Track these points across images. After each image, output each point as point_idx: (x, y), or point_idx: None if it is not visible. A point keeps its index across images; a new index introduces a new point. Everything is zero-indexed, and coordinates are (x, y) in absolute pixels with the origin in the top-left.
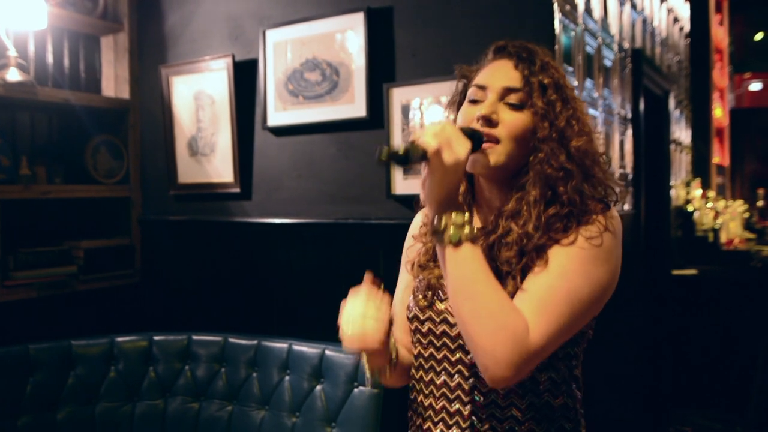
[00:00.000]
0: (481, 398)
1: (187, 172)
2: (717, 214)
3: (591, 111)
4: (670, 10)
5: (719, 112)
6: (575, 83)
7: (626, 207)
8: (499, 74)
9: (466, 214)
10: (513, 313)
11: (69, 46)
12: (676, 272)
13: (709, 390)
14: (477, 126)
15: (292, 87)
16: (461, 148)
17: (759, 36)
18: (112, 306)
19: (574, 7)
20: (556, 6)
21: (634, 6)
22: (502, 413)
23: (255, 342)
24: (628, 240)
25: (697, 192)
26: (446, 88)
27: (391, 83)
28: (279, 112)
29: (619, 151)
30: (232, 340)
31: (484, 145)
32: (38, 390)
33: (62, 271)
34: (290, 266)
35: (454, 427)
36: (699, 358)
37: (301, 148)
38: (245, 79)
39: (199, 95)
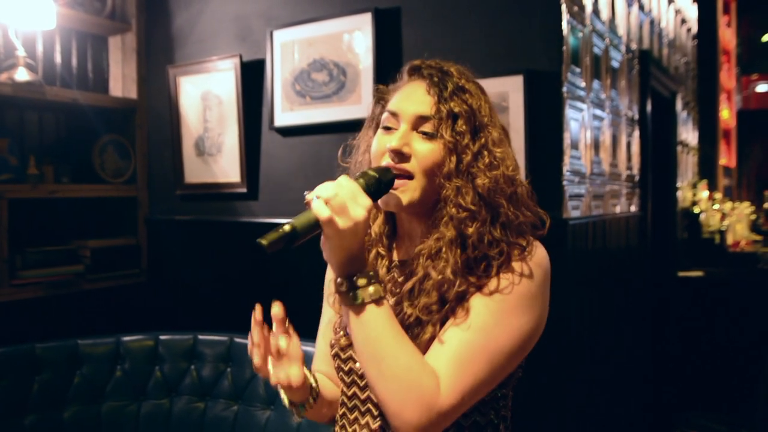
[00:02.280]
0: None
1: (194, 172)
2: (723, 216)
3: (598, 112)
4: (677, 12)
5: (726, 114)
6: (582, 84)
7: (633, 208)
8: (411, 100)
9: (371, 273)
10: (422, 373)
11: (77, 46)
12: (682, 274)
13: (715, 392)
14: (387, 158)
15: (300, 87)
16: (358, 209)
17: (766, 37)
18: (119, 305)
19: (582, 8)
20: (564, 7)
21: (641, 7)
22: None
23: None
24: (636, 242)
25: (704, 194)
26: None
27: None
28: (286, 112)
29: (626, 152)
30: (237, 339)
31: (397, 183)
32: (44, 389)
33: (69, 270)
34: (296, 267)
35: None
36: (704, 360)
37: (308, 148)
38: (252, 79)
39: (206, 95)
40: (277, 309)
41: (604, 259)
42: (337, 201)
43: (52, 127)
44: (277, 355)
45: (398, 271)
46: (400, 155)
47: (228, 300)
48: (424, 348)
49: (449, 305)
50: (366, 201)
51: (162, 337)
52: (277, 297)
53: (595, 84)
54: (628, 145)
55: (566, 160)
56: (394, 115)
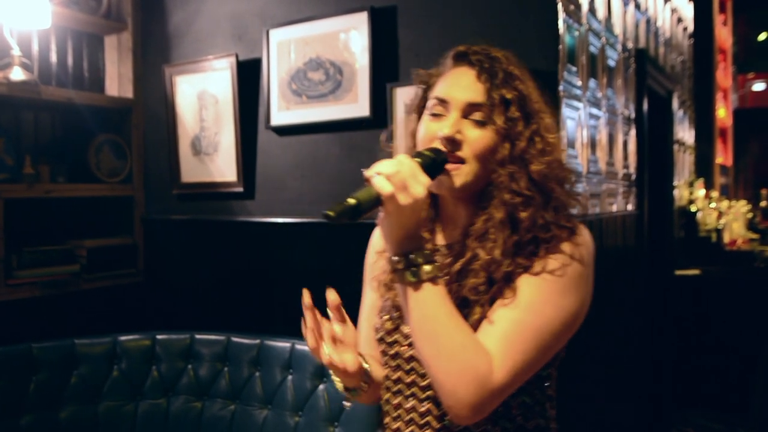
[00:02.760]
0: (453, 424)
1: (191, 171)
2: (720, 215)
3: (594, 111)
4: (673, 10)
5: (722, 113)
6: (579, 83)
7: (630, 207)
8: (460, 87)
9: (427, 252)
10: (476, 352)
11: (73, 45)
12: (679, 272)
13: (712, 391)
14: (439, 145)
15: (296, 86)
16: (418, 187)
17: (762, 36)
18: (115, 305)
19: (578, 6)
20: (560, 6)
21: (638, 6)
22: (475, 428)
23: (258, 341)
24: (633, 240)
25: (701, 192)
26: None
27: (394, 83)
28: (282, 111)
29: (623, 151)
30: (234, 339)
31: (450, 167)
32: (41, 389)
33: (65, 270)
34: (293, 266)
35: (426, 428)
36: (701, 358)
37: (304, 147)
38: (249, 78)
39: (202, 95)
40: (333, 296)
41: (601, 258)
42: (399, 178)
43: (48, 126)
44: (332, 341)
45: (444, 254)
46: (453, 142)
47: (225, 299)
48: (473, 329)
49: (497, 285)
50: (425, 179)
51: (159, 337)
52: (273, 297)
53: (592, 83)
54: (625, 143)
55: (563, 158)
56: (442, 102)
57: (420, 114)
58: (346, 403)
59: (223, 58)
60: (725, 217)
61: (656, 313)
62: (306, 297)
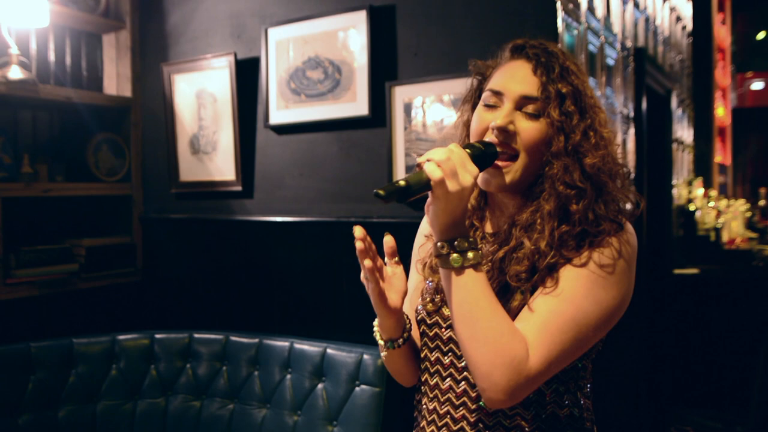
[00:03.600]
0: (487, 407)
1: (189, 170)
2: (719, 214)
3: None
4: (672, 9)
5: (721, 111)
6: None
7: (628, 206)
8: (516, 80)
9: (471, 239)
10: (513, 338)
11: (71, 43)
12: (677, 271)
13: (710, 389)
14: (491, 135)
15: (294, 85)
16: (467, 176)
17: (761, 35)
18: (114, 304)
19: (577, 5)
20: (558, 4)
21: (636, 5)
22: (508, 422)
23: (256, 340)
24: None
25: (699, 191)
26: (449, 87)
27: (393, 81)
28: (281, 110)
29: (622, 150)
30: (233, 338)
31: (501, 164)
32: (39, 388)
33: (64, 269)
34: (292, 265)
35: None
36: (700, 357)
37: (303, 146)
38: (247, 77)
39: (200, 93)
40: (389, 239)
41: None
42: (449, 165)
43: (46, 125)
44: (381, 278)
45: (490, 242)
46: (505, 133)
47: (223, 298)
48: (512, 315)
49: (539, 274)
50: (474, 169)
51: (157, 336)
52: (272, 295)
53: (591, 81)
54: (624, 142)
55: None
56: (497, 93)
57: (474, 105)
58: (383, 353)
59: (222, 57)
60: (724, 215)
61: (655, 312)
62: (357, 230)
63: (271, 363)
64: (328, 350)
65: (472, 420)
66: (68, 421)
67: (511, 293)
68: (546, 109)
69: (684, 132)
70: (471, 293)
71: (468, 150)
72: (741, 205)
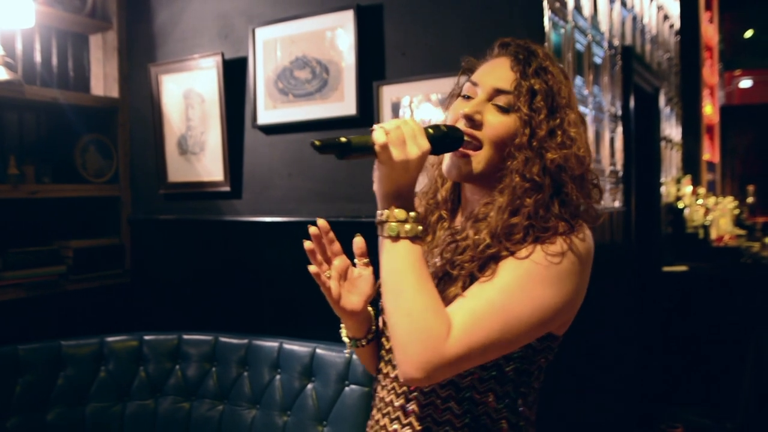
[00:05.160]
0: (416, 409)
1: (177, 171)
2: (707, 211)
3: (581, 108)
4: (660, 8)
5: (709, 109)
6: None
7: (617, 204)
8: (493, 73)
9: (413, 213)
10: (435, 315)
11: (57, 44)
12: (666, 269)
13: (700, 386)
14: (461, 124)
15: (282, 85)
16: (414, 148)
17: (749, 33)
18: (102, 306)
19: (564, 4)
20: (545, 3)
21: (624, 3)
22: (439, 416)
23: (246, 341)
24: (620, 237)
25: (688, 189)
26: (436, 86)
27: (381, 81)
28: (269, 110)
29: (610, 148)
30: (222, 339)
31: (465, 149)
32: (27, 391)
33: (51, 270)
34: (281, 265)
35: (395, 422)
36: (689, 354)
37: (291, 146)
38: (235, 77)
39: (188, 94)
40: (358, 239)
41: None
42: (397, 133)
43: (33, 126)
44: (343, 277)
45: (452, 235)
46: (472, 121)
47: (212, 299)
48: (450, 302)
49: (478, 263)
50: (424, 143)
51: (146, 338)
52: (261, 296)
53: (578, 80)
54: (612, 141)
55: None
56: (474, 84)
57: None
58: (346, 351)
59: (209, 57)
60: (712, 213)
61: (644, 310)
62: (316, 226)
63: (260, 364)
64: (318, 350)
65: (408, 410)
66: (57, 423)
67: (451, 281)
68: (517, 103)
69: (672, 130)
70: (401, 264)
71: (431, 129)
72: (729, 203)
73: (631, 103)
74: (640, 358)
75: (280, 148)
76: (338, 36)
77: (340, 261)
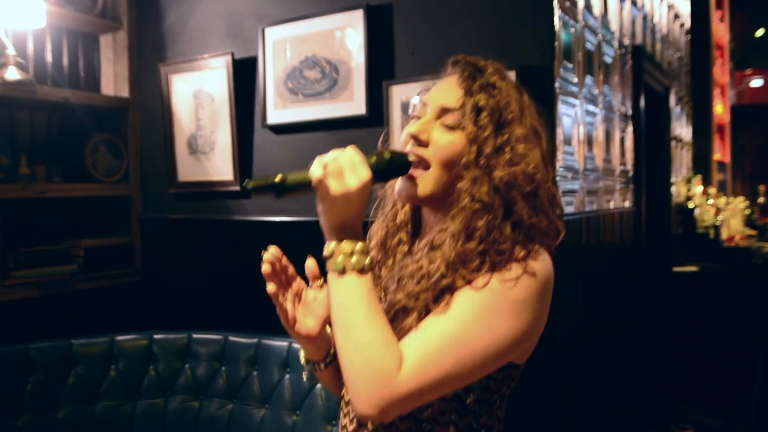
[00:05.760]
0: None
1: (187, 170)
2: (718, 211)
3: (591, 108)
4: (670, 7)
5: (720, 109)
6: (575, 80)
7: (627, 204)
8: (441, 91)
9: (359, 244)
10: (384, 350)
11: (68, 44)
12: (676, 269)
13: (710, 387)
14: (410, 145)
15: (292, 85)
16: (353, 179)
17: (760, 32)
18: (112, 305)
19: (574, 3)
20: (555, 2)
21: (634, 2)
22: None
23: (255, 340)
24: (630, 237)
25: (698, 189)
26: None
27: (390, 81)
28: (278, 110)
29: (620, 148)
30: (232, 338)
31: (413, 172)
32: (38, 389)
33: (62, 270)
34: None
35: None
36: (699, 355)
37: (300, 146)
38: (245, 77)
39: (198, 93)
40: (310, 262)
41: (598, 255)
42: (334, 166)
43: (44, 126)
44: (298, 298)
45: (409, 263)
46: (418, 141)
47: (222, 298)
48: (405, 334)
49: (433, 294)
50: (364, 173)
51: (156, 337)
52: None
53: (588, 79)
54: (622, 140)
55: (559, 156)
56: (424, 105)
57: None
58: (304, 375)
59: (219, 57)
60: (723, 213)
61: (654, 310)
62: (269, 252)
63: (269, 363)
64: None
65: None
66: (67, 422)
67: (407, 313)
68: (462, 121)
69: (683, 129)
70: (349, 298)
71: (373, 157)
72: (740, 203)
73: (642, 103)
74: (650, 358)
75: (289, 148)
76: (348, 36)
77: (296, 284)
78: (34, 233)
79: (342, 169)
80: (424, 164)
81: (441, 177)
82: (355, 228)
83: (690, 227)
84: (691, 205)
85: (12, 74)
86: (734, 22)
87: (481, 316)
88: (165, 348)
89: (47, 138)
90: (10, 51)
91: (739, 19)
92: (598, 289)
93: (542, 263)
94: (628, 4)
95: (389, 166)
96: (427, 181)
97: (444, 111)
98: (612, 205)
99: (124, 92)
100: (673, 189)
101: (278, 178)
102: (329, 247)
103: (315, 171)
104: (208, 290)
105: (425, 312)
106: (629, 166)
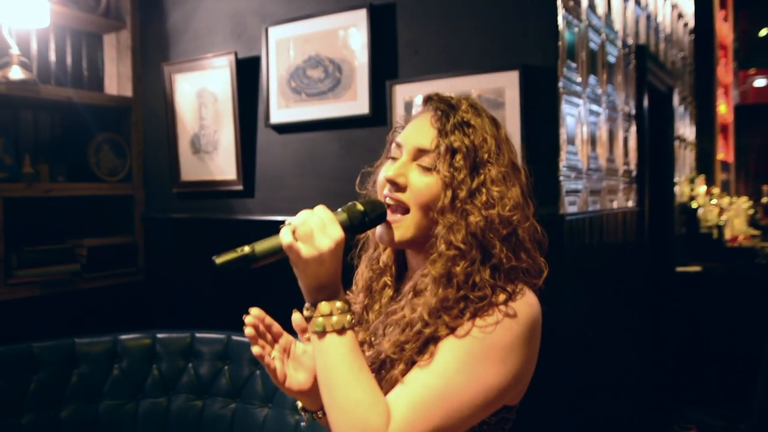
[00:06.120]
0: None
1: (190, 169)
2: (721, 211)
3: (594, 107)
4: (674, 6)
5: (723, 109)
6: (578, 79)
7: (630, 204)
8: (416, 131)
9: (338, 303)
10: (370, 409)
11: (71, 44)
12: (680, 269)
13: (713, 387)
14: (387, 189)
15: (295, 84)
16: (325, 240)
17: (763, 32)
18: (116, 304)
19: (578, 3)
20: (559, 2)
21: (638, 2)
22: None
23: None
24: (633, 237)
25: (702, 188)
26: (449, 85)
27: (393, 80)
28: (282, 109)
29: (623, 147)
30: (235, 337)
31: (392, 218)
32: (42, 388)
33: (65, 269)
34: None
35: None
36: (703, 355)
37: (303, 145)
38: (248, 76)
39: (201, 93)
40: (296, 316)
41: (602, 255)
42: (304, 229)
43: (47, 125)
44: (286, 353)
45: (392, 311)
46: (395, 185)
47: (225, 298)
48: (391, 386)
49: (416, 344)
50: (336, 232)
51: (159, 336)
52: (275, 296)
53: (592, 79)
54: (625, 140)
55: (563, 155)
56: (399, 146)
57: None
58: (303, 424)
59: (222, 56)
60: (726, 213)
61: (657, 310)
62: (251, 314)
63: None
64: None
65: None
66: (71, 421)
67: (393, 364)
68: (437, 163)
69: (686, 129)
70: (331, 359)
71: (344, 213)
72: (743, 203)
73: (645, 102)
74: (652, 358)
75: (292, 147)
76: (351, 35)
77: (282, 340)
78: (37, 232)
79: (311, 231)
80: (403, 208)
81: (420, 221)
82: (333, 287)
83: (693, 227)
84: (694, 205)
85: (16, 73)
86: (738, 22)
87: (465, 366)
88: (168, 347)
89: (51, 137)
90: (14, 50)
91: (742, 18)
92: (600, 289)
93: (524, 304)
94: (631, 4)
95: (364, 219)
96: (407, 226)
97: (420, 152)
98: (615, 205)
99: (128, 92)
100: (677, 189)
101: (247, 249)
102: (308, 308)
103: (284, 237)
104: (211, 289)
105: (411, 363)
106: (632, 166)
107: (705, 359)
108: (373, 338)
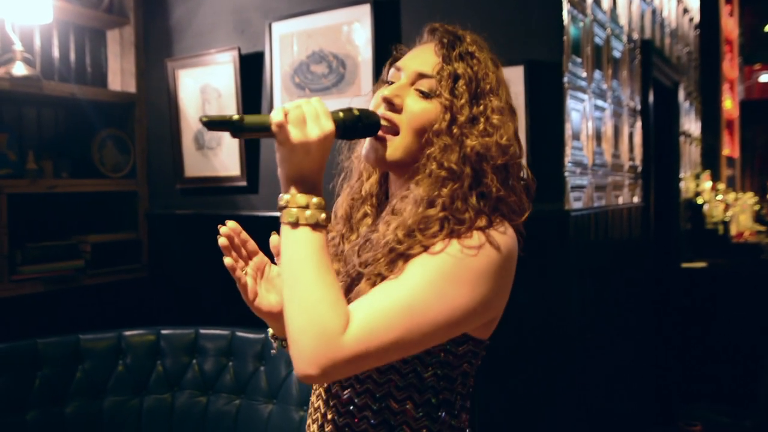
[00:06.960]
0: (335, 417)
1: (194, 165)
2: (727, 207)
3: (600, 102)
4: (679, 1)
5: (729, 104)
6: (584, 74)
7: (635, 199)
8: (418, 57)
9: (315, 198)
10: (331, 308)
11: (75, 40)
12: (685, 265)
13: (718, 384)
14: (381, 109)
15: (299, 80)
16: (315, 129)
17: None
18: (120, 300)
19: None
20: None
21: None
22: (356, 425)
23: (262, 336)
24: (639, 233)
25: (707, 184)
26: None
27: None
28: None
29: (629, 143)
30: (239, 334)
31: (382, 134)
32: (46, 384)
33: (69, 265)
34: None
35: (320, 429)
36: (708, 351)
37: None
38: (251, 72)
39: (205, 88)
40: (274, 238)
41: (607, 251)
42: (297, 113)
43: (51, 121)
44: (260, 274)
45: (370, 232)
46: (390, 104)
47: (229, 294)
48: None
49: (386, 260)
50: (327, 124)
51: (163, 332)
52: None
53: (597, 74)
54: (631, 135)
55: (568, 151)
56: (398, 70)
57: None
58: (273, 351)
59: (226, 52)
60: (732, 209)
61: (662, 306)
62: (223, 229)
63: (277, 358)
64: None
65: (328, 418)
66: (75, 417)
67: (360, 279)
68: (438, 88)
69: (691, 125)
70: (300, 252)
71: (341, 113)
72: (749, 198)
73: (650, 98)
74: (658, 354)
75: None
76: (355, 30)
77: (257, 259)
78: (41, 229)
79: (304, 117)
80: (394, 129)
81: (411, 144)
82: (314, 181)
83: (699, 223)
84: (699, 200)
85: (19, 69)
86: (744, 17)
87: (435, 282)
88: (172, 343)
89: (54, 133)
90: (17, 46)
91: (748, 13)
92: (606, 285)
93: (507, 237)
94: None
95: (357, 123)
96: (396, 146)
97: (419, 77)
98: (621, 200)
99: (131, 87)
100: (682, 184)
101: (236, 117)
102: (284, 197)
103: (276, 115)
104: (216, 285)
105: (379, 279)
106: (638, 162)
107: (710, 355)
108: (345, 266)
